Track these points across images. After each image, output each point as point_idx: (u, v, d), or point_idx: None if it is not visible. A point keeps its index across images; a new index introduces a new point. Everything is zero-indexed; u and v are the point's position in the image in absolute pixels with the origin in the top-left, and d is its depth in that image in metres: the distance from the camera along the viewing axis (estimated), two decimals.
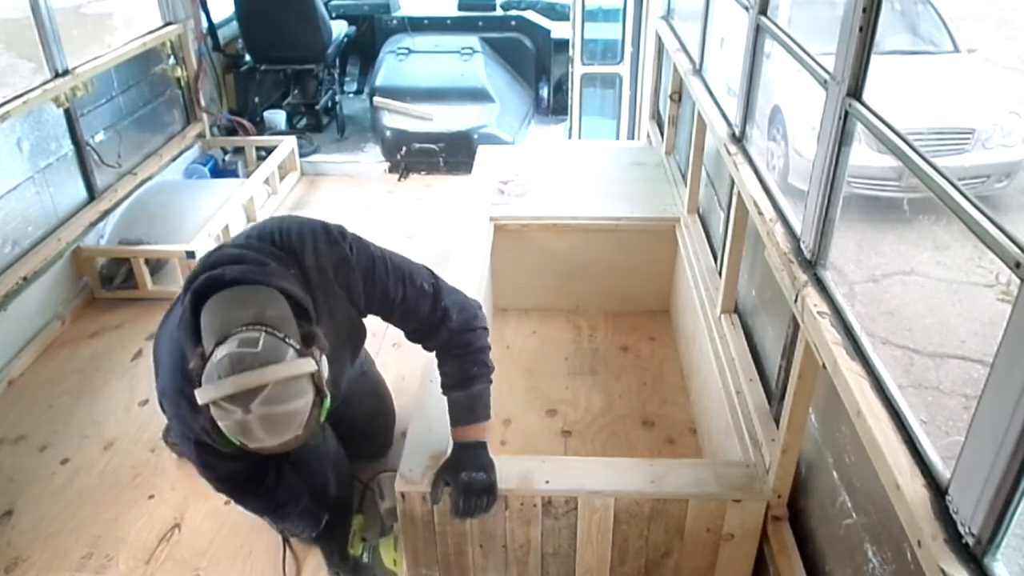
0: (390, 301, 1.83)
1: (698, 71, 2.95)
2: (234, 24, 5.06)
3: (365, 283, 1.79)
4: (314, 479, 2.15)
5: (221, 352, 1.42)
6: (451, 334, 1.88)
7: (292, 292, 1.58)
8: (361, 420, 2.34)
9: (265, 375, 1.40)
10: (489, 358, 1.94)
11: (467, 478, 1.85)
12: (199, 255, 3.42)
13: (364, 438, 2.45)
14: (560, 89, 5.62)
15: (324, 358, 1.52)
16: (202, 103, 4.62)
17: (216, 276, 1.56)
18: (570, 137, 5.04)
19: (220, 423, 1.43)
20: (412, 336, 1.94)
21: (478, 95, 5.12)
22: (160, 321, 1.90)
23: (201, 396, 1.42)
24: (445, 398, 1.94)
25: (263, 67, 5.15)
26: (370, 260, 1.80)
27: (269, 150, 4.64)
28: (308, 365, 1.45)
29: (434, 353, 1.96)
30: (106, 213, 3.66)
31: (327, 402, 1.50)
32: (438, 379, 1.97)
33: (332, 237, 1.76)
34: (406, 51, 5.44)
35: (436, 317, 1.87)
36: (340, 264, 1.74)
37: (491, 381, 1.94)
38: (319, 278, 1.71)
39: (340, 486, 2.27)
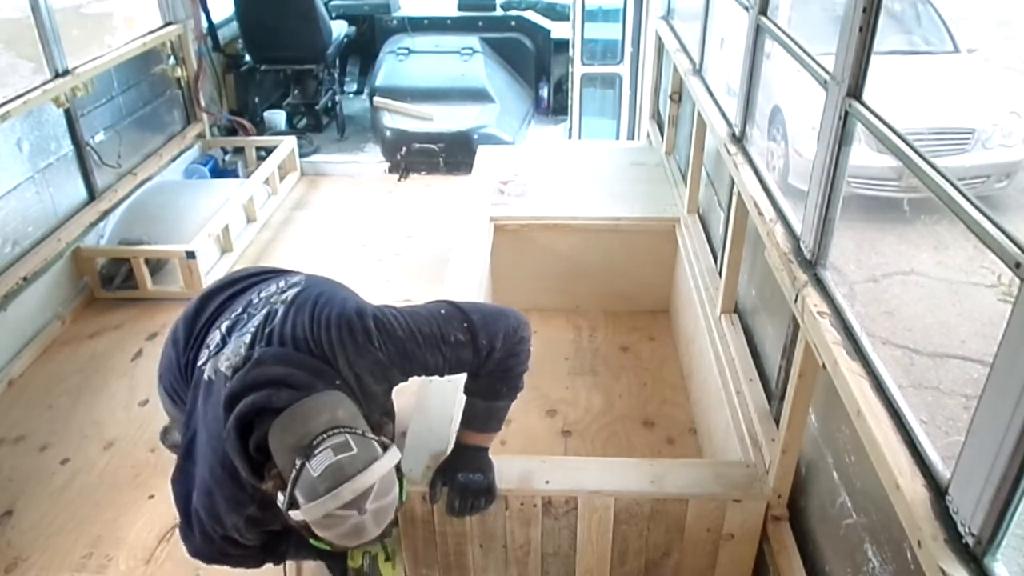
0: (432, 371, 1.78)
1: (698, 71, 2.95)
2: (234, 24, 5.06)
3: (403, 370, 1.75)
4: None
5: (318, 466, 1.44)
6: (496, 363, 1.82)
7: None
8: None
9: (372, 475, 1.45)
10: (523, 380, 1.91)
11: (464, 479, 1.85)
12: (199, 255, 3.43)
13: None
14: (560, 89, 5.62)
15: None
16: (202, 103, 4.62)
17: (263, 403, 1.56)
18: (570, 137, 5.04)
19: (326, 532, 1.46)
20: (466, 379, 1.90)
21: (478, 95, 5.12)
22: (186, 424, 1.81)
23: (310, 513, 1.43)
24: (464, 397, 1.92)
25: (263, 67, 5.15)
26: (401, 346, 1.71)
27: (269, 150, 4.64)
28: (396, 455, 1.52)
29: None
30: (106, 213, 3.66)
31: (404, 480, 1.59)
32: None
33: (359, 342, 1.68)
34: (406, 51, 5.44)
35: (481, 358, 1.79)
36: (375, 368, 1.70)
37: (515, 399, 1.91)
38: (358, 384, 1.69)
39: None
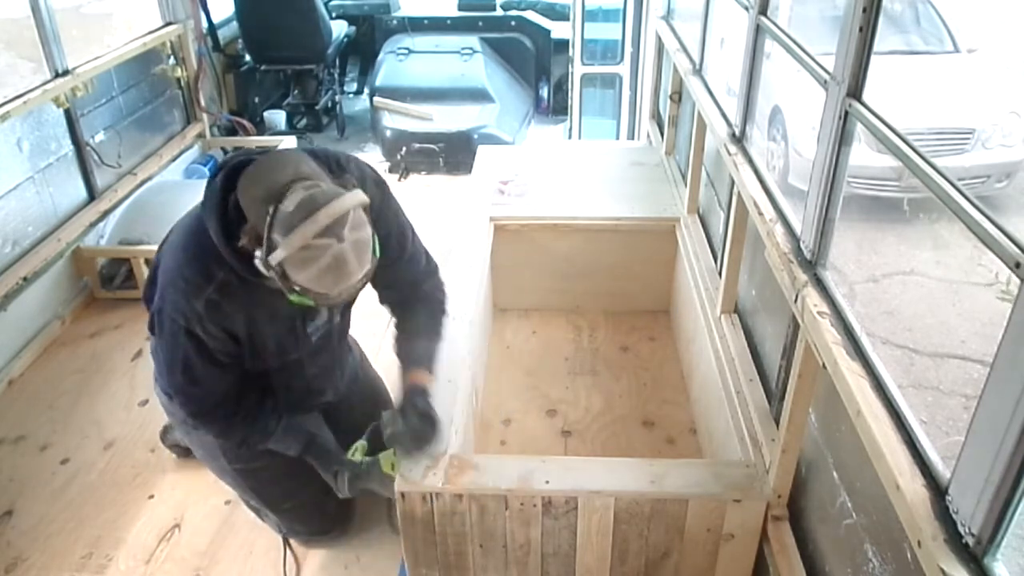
0: (406, 240, 1.97)
1: (698, 71, 2.95)
2: (234, 24, 5.07)
3: (394, 213, 1.94)
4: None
5: (290, 202, 1.49)
6: (435, 286, 2.09)
7: (318, 155, 1.73)
8: (359, 422, 2.34)
9: (345, 202, 1.52)
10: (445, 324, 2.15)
11: (420, 415, 1.95)
12: None
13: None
14: (560, 89, 5.62)
15: None
16: (202, 103, 4.61)
17: (243, 157, 1.67)
18: (570, 137, 5.04)
19: (307, 271, 1.50)
20: (406, 288, 2.06)
21: (478, 95, 5.12)
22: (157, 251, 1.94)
23: (289, 246, 1.48)
24: (399, 342, 2.08)
25: (263, 67, 5.16)
26: (397, 205, 1.97)
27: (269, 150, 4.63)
28: (362, 195, 1.57)
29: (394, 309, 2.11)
30: (106, 213, 3.66)
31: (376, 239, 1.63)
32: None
33: (360, 167, 1.89)
34: (406, 51, 5.44)
35: (431, 267, 2.08)
36: (380, 183, 1.89)
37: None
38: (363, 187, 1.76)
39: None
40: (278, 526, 2.30)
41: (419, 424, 1.94)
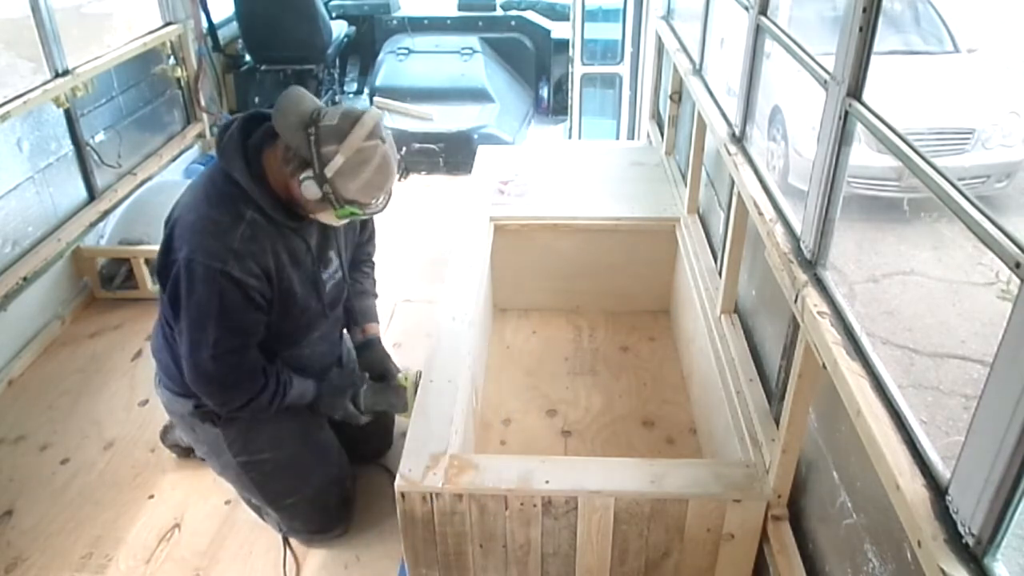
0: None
1: (698, 71, 2.95)
2: (234, 24, 5.06)
3: None
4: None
5: (331, 118, 1.73)
6: (372, 248, 2.42)
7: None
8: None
9: (373, 111, 1.80)
10: None
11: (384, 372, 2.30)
12: None
13: (364, 439, 2.46)
14: (560, 89, 5.62)
15: None
16: (202, 103, 4.61)
17: (253, 111, 1.91)
18: (570, 137, 5.04)
19: (361, 174, 1.75)
20: (367, 247, 2.39)
21: (478, 95, 5.12)
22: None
23: (347, 150, 1.72)
24: (359, 306, 2.36)
25: (263, 67, 5.15)
26: None
27: None
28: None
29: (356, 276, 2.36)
30: (106, 213, 3.66)
31: None
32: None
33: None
34: (406, 51, 5.44)
35: (371, 234, 2.39)
36: None
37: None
38: None
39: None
40: (279, 525, 2.30)
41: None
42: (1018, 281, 1.00)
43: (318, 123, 1.72)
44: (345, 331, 2.43)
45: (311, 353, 2.18)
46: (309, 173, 1.74)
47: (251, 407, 2.00)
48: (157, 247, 1.96)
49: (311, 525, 2.29)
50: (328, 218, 1.90)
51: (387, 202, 1.91)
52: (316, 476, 2.22)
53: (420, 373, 2.26)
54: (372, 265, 2.45)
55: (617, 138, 5.00)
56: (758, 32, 2.21)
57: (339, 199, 1.78)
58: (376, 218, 2.23)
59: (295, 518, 2.27)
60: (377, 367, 2.33)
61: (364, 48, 5.91)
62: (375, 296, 2.44)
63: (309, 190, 1.76)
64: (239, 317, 1.86)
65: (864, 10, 1.44)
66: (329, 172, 1.73)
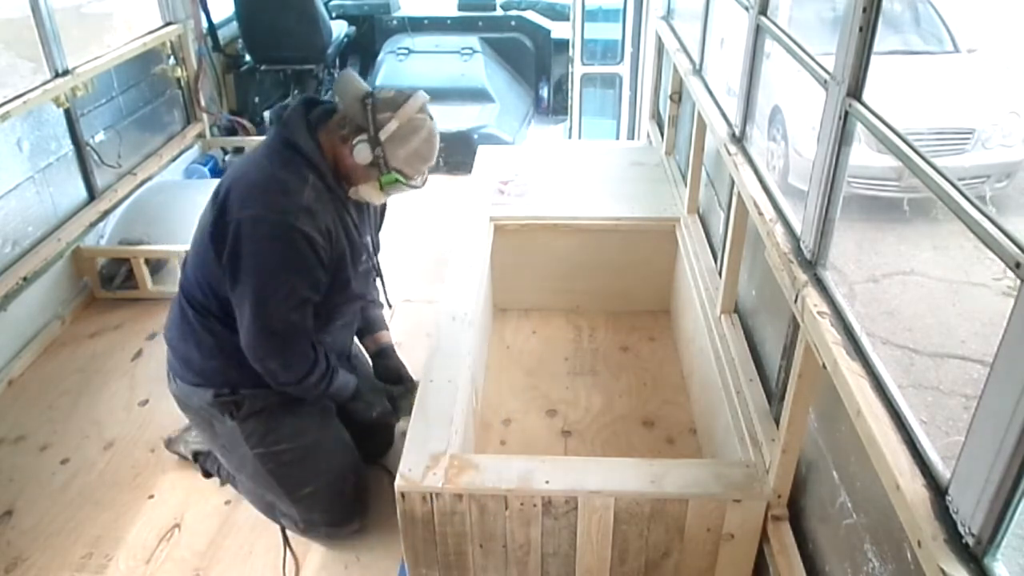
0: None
1: (698, 71, 2.95)
2: (234, 24, 5.06)
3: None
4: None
5: (385, 92, 1.95)
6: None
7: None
8: (362, 420, 2.37)
9: (423, 94, 1.98)
10: None
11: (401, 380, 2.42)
12: None
13: (365, 437, 2.47)
14: (560, 89, 5.62)
15: None
16: (202, 103, 4.61)
17: (310, 96, 2.14)
18: (570, 137, 5.04)
19: (411, 142, 1.95)
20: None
21: (478, 95, 5.11)
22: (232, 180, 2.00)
23: (403, 115, 1.91)
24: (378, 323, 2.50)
25: (263, 67, 5.14)
26: None
27: None
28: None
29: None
30: (106, 213, 3.66)
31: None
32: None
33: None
34: (406, 51, 5.44)
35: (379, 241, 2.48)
36: None
37: None
38: None
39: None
40: (295, 521, 2.29)
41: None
42: (1018, 281, 1.00)
43: (375, 95, 1.92)
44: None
45: (332, 341, 2.23)
46: (364, 137, 1.90)
47: (303, 385, 2.06)
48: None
49: (330, 516, 2.27)
50: (371, 190, 2.03)
51: (425, 181, 2.09)
52: (333, 463, 2.25)
53: (418, 383, 2.30)
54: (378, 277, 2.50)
55: (617, 138, 5.00)
56: (758, 32, 2.21)
57: (388, 164, 1.94)
58: (376, 218, 2.26)
59: (313, 509, 2.25)
60: (392, 373, 2.45)
61: (364, 48, 5.91)
62: (382, 306, 2.50)
63: (361, 153, 1.91)
64: (308, 271, 1.94)
65: (864, 10, 1.44)
66: (383, 135, 1.90)
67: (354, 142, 1.92)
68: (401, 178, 1.99)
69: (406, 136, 1.93)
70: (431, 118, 1.98)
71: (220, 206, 1.94)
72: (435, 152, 2.03)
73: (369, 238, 2.24)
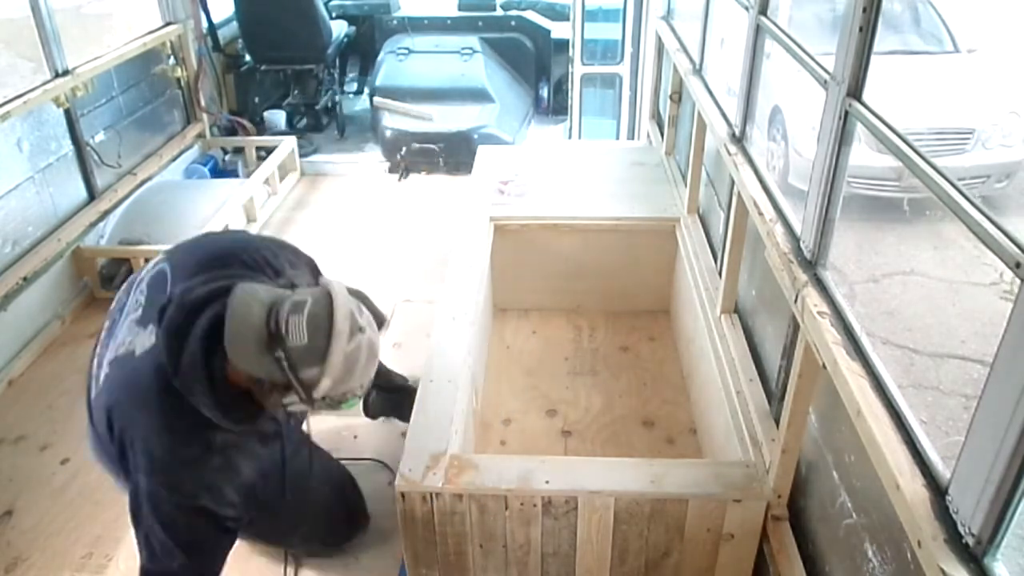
0: None
1: (698, 71, 2.95)
2: (234, 24, 5.06)
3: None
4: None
5: (299, 336, 1.42)
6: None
7: (250, 264, 1.73)
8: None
9: (340, 298, 1.49)
10: None
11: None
12: None
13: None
14: (560, 89, 5.61)
15: None
16: (202, 103, 4.62)
17: (212, 317, 1.54)
18: (570, 137, 5.04)
19: (352, 375, 1.48)
20: None
21: (478, 95, 5.11)
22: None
23: (332, 371, 1.44)
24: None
25: (263, 67, 5.15)
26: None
27: (269, 150, 4.64)
28: (328, 280, 1.58)
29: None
30: (106, 213, 3.66)
31: None
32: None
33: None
34: (406, 51, 5.44)
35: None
36: (310, 260, 2.15)
37: None
38: (263, 258, 1.81)
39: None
40: (296, 555, 2.24)
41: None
42: (1018, 281, 1.00)
43: (285, 344, 1.43)
44: None
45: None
46: (294, 399, 1.50)
47: None
48: (157, 247, 1.92)
49: (331, 540, 2.25)
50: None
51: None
52: (318, 499, 2.11)
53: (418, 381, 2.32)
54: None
55: (617, 138, 5.00)
56: (758, 32, 2.21)
57: (331, 403, 1.54)
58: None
59: (311, 543, 2.22)
60: (382, 376, 2.30)
61: (364, 48, 5.91)
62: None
63: (297, 407, 1.55)
64: (210, 547, 1.68)
65: (864, 10, 1.44)
66: (318, 394, 1.49)
67: (285, 402, 1.53)
68: (348, 400, 1.58)
69: (345, 378, 1.49)
70: (362, 329, 1.50)
71: (119, 448, 1.65)
72: (379, 349, 1.59)
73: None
